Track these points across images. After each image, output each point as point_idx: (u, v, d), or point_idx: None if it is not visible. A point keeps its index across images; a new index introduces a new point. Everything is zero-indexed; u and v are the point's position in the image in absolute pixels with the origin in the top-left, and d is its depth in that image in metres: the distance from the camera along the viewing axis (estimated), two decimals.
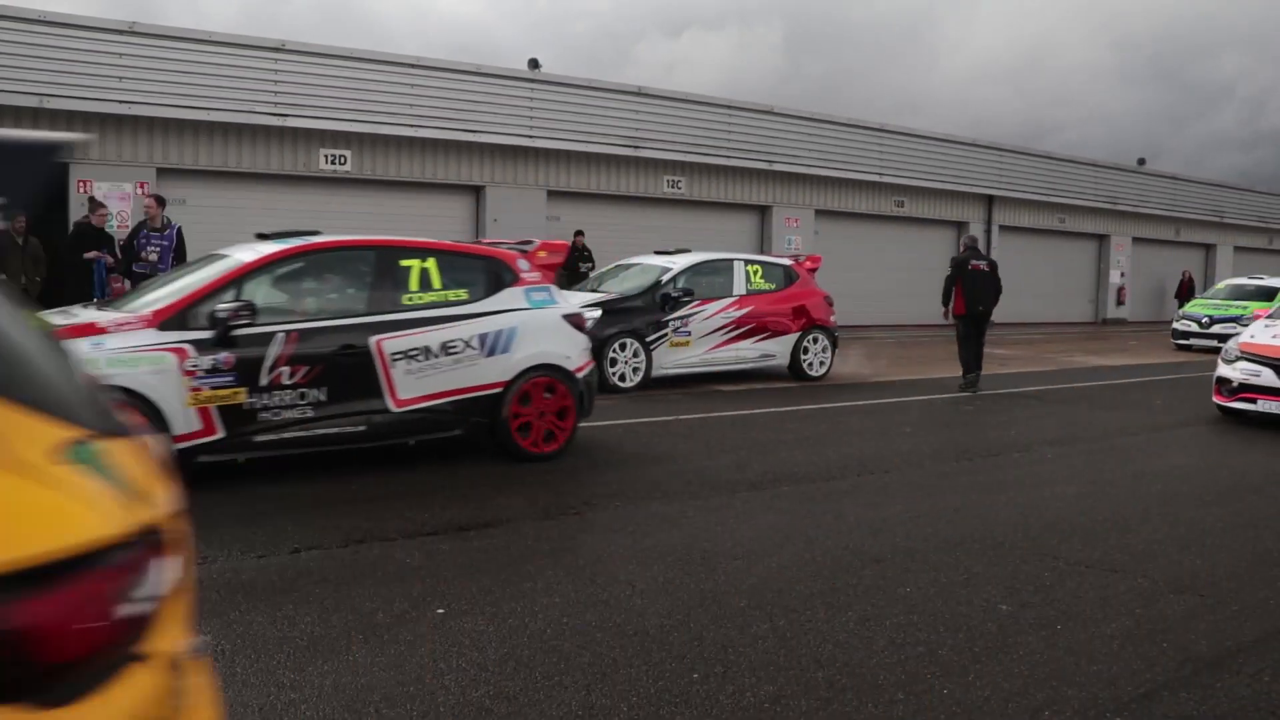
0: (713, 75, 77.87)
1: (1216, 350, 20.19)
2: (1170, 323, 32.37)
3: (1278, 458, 8.78)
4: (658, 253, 13.94)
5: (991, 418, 10.70)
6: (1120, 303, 32.25)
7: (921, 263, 27.21)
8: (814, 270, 14.33)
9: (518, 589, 4.67)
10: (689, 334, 12.30)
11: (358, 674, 3.70)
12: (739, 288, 12.95)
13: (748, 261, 13.38)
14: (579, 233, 20.04)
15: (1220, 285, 24.07)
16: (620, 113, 20.82)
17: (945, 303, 14.14)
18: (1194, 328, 21.72)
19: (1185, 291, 30.66)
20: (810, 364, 13.46)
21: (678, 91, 22.02)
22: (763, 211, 23.80)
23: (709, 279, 12.85)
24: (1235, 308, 21.34)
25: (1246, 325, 20.12)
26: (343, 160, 17.95)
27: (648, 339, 11.91)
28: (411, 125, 18.21)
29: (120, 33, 15.65)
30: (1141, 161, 33.44)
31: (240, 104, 16.59)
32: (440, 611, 4.37)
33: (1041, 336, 24.57)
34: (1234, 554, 5.61)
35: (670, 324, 12.13)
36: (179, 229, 12.29)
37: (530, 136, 19.60)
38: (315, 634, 4.08)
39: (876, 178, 25.12)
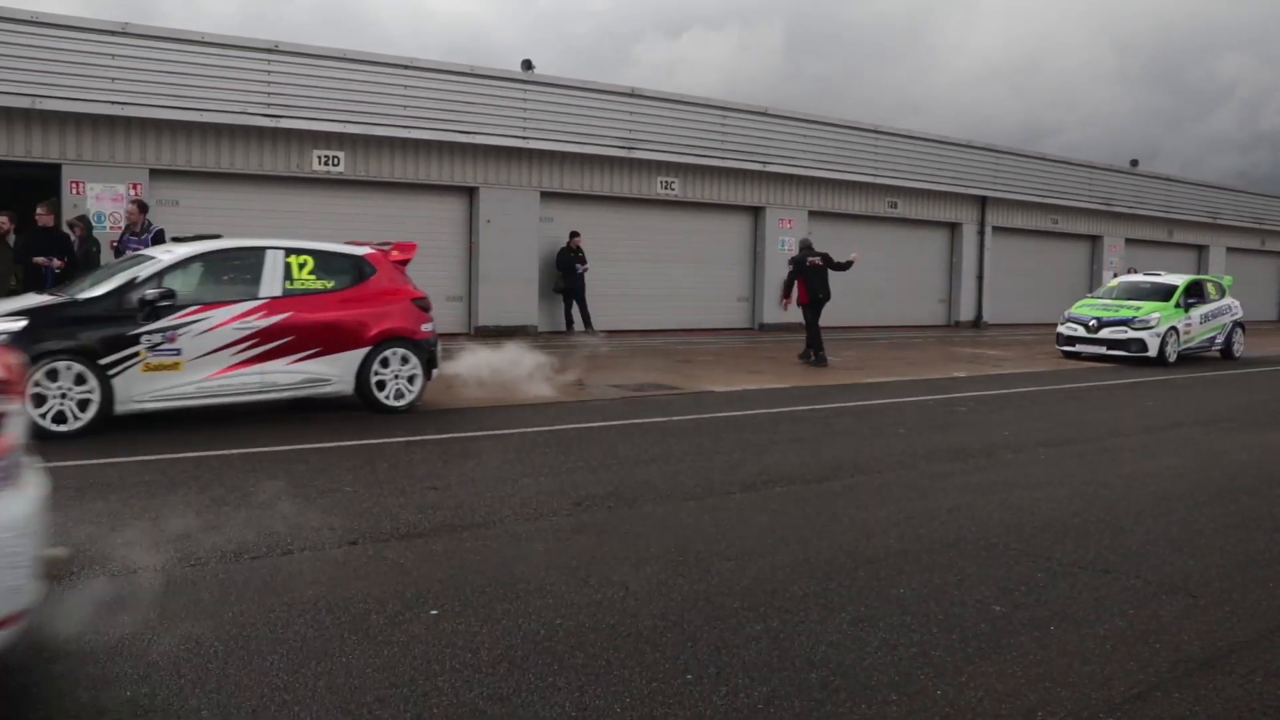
0: (713, 76, 77.93)
1: (1106, 358, 18.27)
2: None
3: (1270, 459, 8.81)
4: (176, 240, 10.64)
5: (984, 419, 10.72)
6: None
7: (915, 264, 27.31)
8: (404, 263, 10.66)
9: (511, 590, 4.67)
10: (178, 353, 8.77)
11: (351, 675, 3.70)
12: (270, 287, 9.43)
13: (291, 251, 9.79)
14: (575, 234, 20.06)
15: (1113, 282, 21.16)
16: (614, 114, 20.82)
17: (786, 294, 16.66)
18: (1080, 332, 18.81)
19: None
20: (388, 390, 9.84)
21: (671, 93, 22.03)
22: (756, 213, 23.82)
23: (222, 276, 9.49)
24: (1128, 308, 18.66)
25: (1139, 329, 18.02)
26: (336, 161, 17.92)
27: (104, 360, 8.40)
28: (405, 126, 18.19)
29: (112, 33, 15.61)
30: (1135, 163, 33.53)
31: (233, 105, 16.56)
32: (434, 613, 4.36)
33: (1034, 338, 24.60)
34: (1227, 555, 5.62)
35: (144, 339, 8.62)
36: (159, 232, 12.33)
37: (524, 138, 19.59)
38: (308, 636, 4.07)
39: (870, 179, 25.15)
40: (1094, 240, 32.10)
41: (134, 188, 15.70)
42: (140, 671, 3.69)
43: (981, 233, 28.45)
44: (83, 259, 13.23)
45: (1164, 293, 19.20)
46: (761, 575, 5.00)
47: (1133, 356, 17.96)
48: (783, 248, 23.83)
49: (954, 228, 28.13)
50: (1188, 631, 4.39)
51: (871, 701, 3.60)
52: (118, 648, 3.90)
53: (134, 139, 16.06)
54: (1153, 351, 17.95)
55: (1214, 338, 19.87)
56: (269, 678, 3.67)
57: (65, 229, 13.44)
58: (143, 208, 12.53)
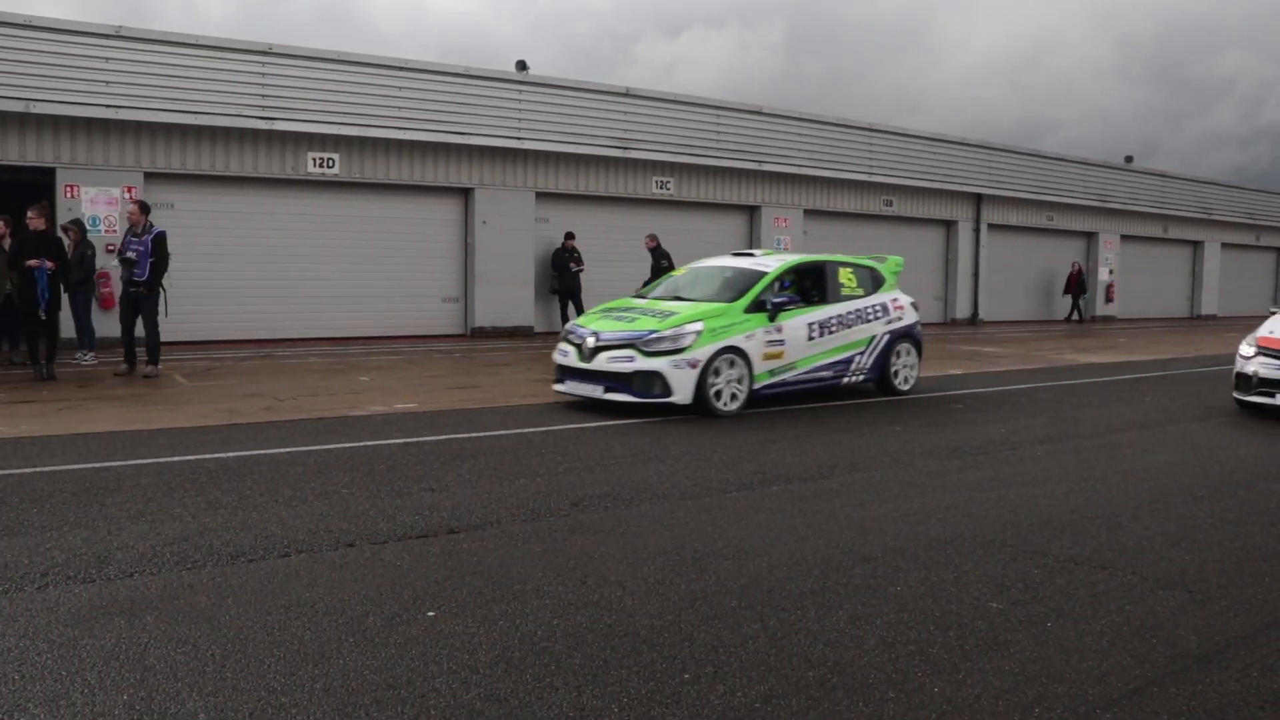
0: (713, 75, 78.22)
1: (609, 405, 10.19)
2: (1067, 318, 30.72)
3: (1267, 454, 8.82)
4: None
5: (981, 415, 10.72)
6: (1109, 300, 32.39)
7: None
8: None
9: (508, 591, 4.67)
10: None
11: (348, 677, 3.69)
12: None
13: None
14: (570, 234, 20.06)
15: (680, 271, 12.77)
16: (609, 114, 20.84)
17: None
18: (571, 357, 10.57)
19: (1074, 286, 30.27)
20: None
21: (666, 92, 22.05)
22: (752, 211, 23.84)
23: None
24: (650, 317, 10.39)
25: (654, 353, 9.90)
26: (331, 163, 17.91)
27: None
28: (400, 128, 18.20)
29: (107, 36, 15.60)
30: (1129, 159, 33.59)
31: (228, 107, 16.56)
32: (431, 614, 4.36)
33: (1030, 334, 24.65)
34: (1223, 550, 5.63)
35: None
36: (159, 234, 12.30)
37: (519, 138, 19.59)
38: (305, 638, 4.07)
39: (866, 177, 25.18)
40: (1089, 237, 32.16)
41: (129, 191, 15.68)
42: (137, 675, 3.69)
43: (977, 230, 28.49)
44: (76, 262, 13.23)
45: (744, 285, 11.04)
46: (758, 574, 5.01)
47: (646, 402, 9.99)
48: (779, 246, 23.85)
49: (949, 225, 28.17)
50: (1185, 627, 4.40)
51: (869, 699, 3.60)
52: (114, 651, 3.90)
53: (128, 142, 16.05)
54: (681, 395, 9.92)
55: (849, 360, 11.64)
56: (266, 680, 3.66)
57: (59, 233, 13.42)
58: (144, 208, 12.52)
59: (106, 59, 15.56)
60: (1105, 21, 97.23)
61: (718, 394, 10.22)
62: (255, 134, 17.06)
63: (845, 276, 12.00)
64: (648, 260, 21.83)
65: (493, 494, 6.60)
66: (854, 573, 5.05)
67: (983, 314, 28.64)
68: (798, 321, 11.06)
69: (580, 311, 20.14)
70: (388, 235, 18.76)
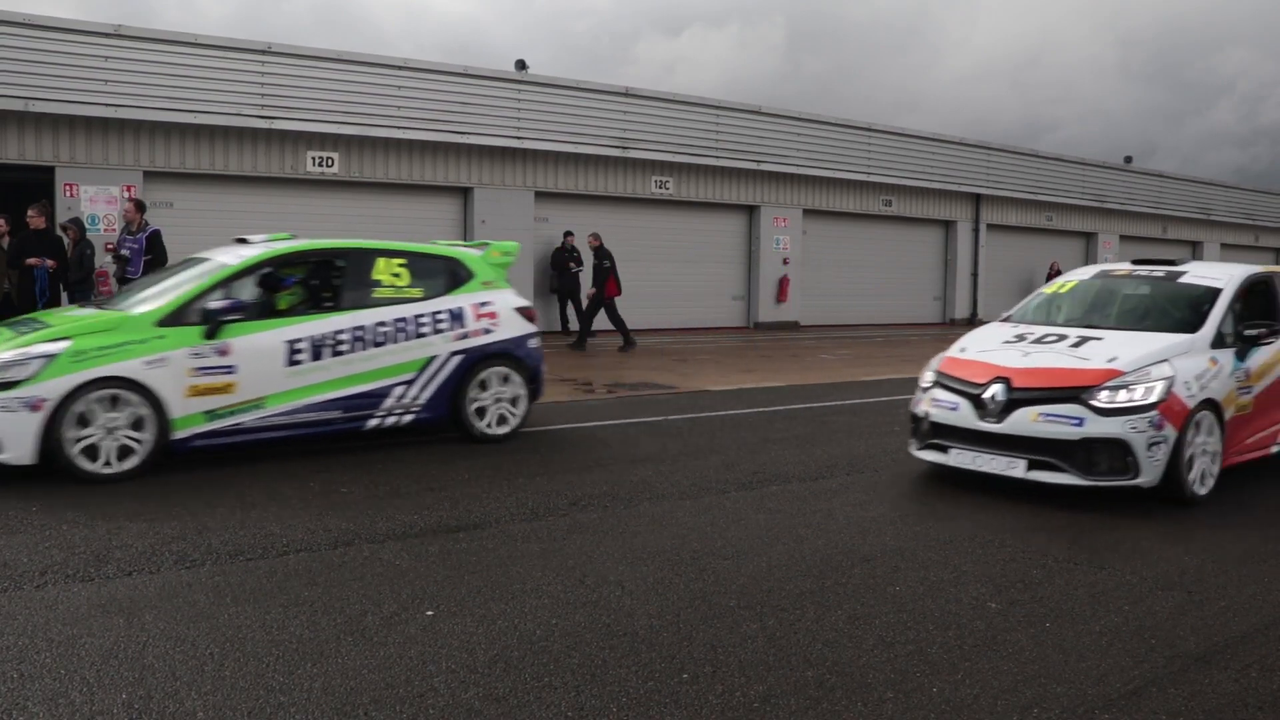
0: (714, 74, 78.18)
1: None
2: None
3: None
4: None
5: None
6: None
7: (909, 261, 27.33)
8: None
9: (507, 590, 4.67)
10: None
11: (347, 676, 3.69)
12: None
13: None
14: (568, 234, 20.05)
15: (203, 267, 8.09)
16: (608, 113, 20.82)
17: (599, 285, 17.28)
18: None
19: None
20: None
21: (665, 92, 22.03)
22: (751, 211, 23.82)
23: None
24: (28, 333, 6.99)
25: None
26: (330, 162, 17.90)
27: None
28: (399, 127, 18.18)
29: (106, 35, 15.58)
30: (1128, 160, 33.60)
31: (227, 106, 16.54)
32: (429, 613, 4.36)
33: None
34: (1221, 550, 5.64)
35: None
36: (154, 232, 12.31)
37: (518, 138, 19.58)
38: (304, 636, 4.07)
39: (864, 177, 25.17)
40: (1088, 237, 32.17)
41: (128, 190, 15.67)
42: (136, 674, 3.69)
43: (976, 230, 28.49)
44: (76, 261, 13.21)
45: (181, 286, 7.64)
46: (757, 574, 5.01)
47: None
48: (777, 246, 23.87)
49: (948, 225, 28.16)
50: (1183, 627, 4.40)
51: (868, 699, 3.61)
52: (113, 650, 3.90)
53: (128, 141, 16.04)
54: (15, 451, 6.52)
55: (383, 392, 8.00)
56: (265, 679, 3.66)
57: (58, 232, 13.41)
58: (140, 207, 12.53)
59: (106, 58, 15.54)
60: (1106, 21, 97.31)
61: (90, 450, 6.70)
62: (254, 133, 17.04)
63: (385, 271, 8.28)
64: (645, 259, 21.86)
65: (492, 493, 6.60)
66: (853, 573, 5.06)
67: (982, 314, 28.63)
68: (267, 339, 7.49)
69: (579, 311, 20.13)
70: (387, 235, 18.59)
